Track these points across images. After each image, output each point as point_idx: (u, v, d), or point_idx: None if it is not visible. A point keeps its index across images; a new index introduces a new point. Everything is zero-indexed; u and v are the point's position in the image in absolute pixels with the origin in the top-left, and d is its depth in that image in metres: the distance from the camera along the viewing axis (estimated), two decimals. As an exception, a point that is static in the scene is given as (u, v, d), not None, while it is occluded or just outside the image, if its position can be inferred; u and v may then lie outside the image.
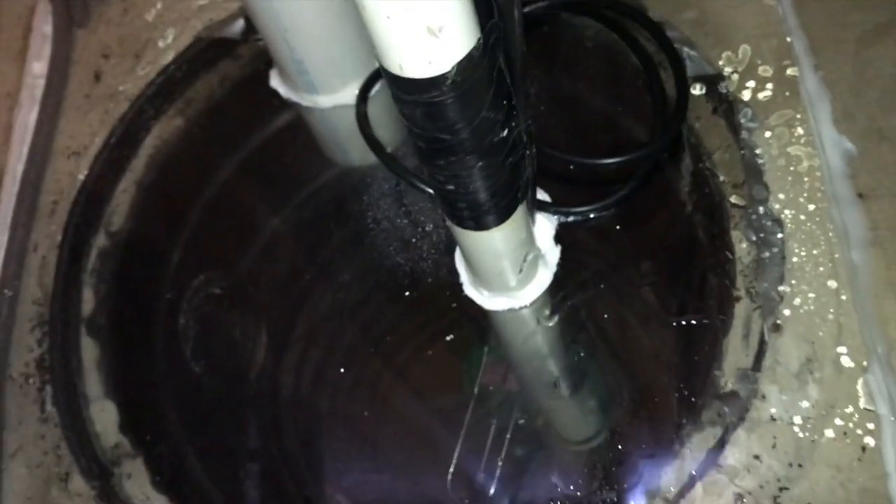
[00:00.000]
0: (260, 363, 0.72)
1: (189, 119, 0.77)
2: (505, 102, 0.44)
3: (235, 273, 0.75)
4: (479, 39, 0.37)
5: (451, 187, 0.46)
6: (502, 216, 0.50)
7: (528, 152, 0.50)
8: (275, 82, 0.71)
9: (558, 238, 0.61)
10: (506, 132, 0.45)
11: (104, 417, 0.64)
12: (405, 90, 0.39)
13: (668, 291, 0.59)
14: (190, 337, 0.72)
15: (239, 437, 0.69)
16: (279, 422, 0.71)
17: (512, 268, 0.56)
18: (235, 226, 0.77)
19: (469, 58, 0.37)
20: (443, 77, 0.37)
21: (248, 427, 0.69)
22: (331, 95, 0.68)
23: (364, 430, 0.66)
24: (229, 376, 0.72)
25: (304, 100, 0.70)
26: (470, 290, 0.60)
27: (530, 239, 0.56)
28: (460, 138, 0.42)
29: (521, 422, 0.58)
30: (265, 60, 0.71)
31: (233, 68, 0.78)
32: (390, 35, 0.36)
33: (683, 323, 0.56)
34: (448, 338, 0.64)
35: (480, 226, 0.50)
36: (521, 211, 0.51)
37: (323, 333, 0.73)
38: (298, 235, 0.76)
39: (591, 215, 0.61)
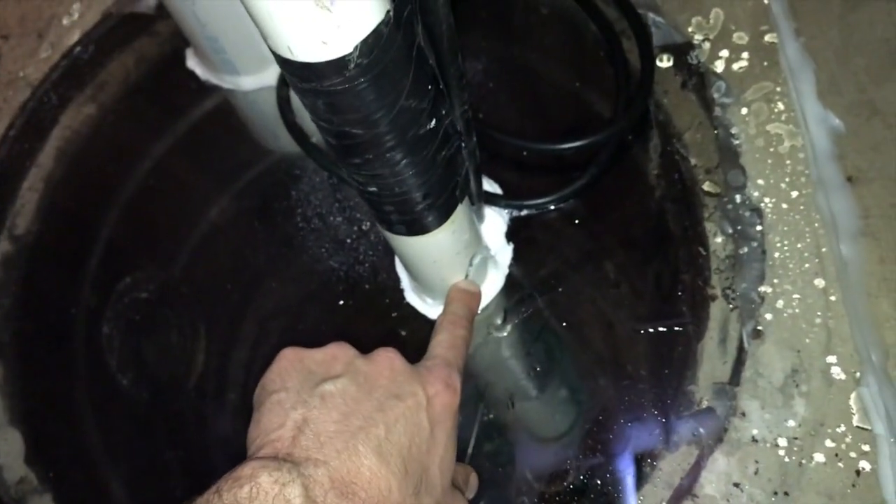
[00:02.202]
0: (199, 369, 0.65)
1: (102, 105, 0.69)
2: (430, 87, 0.36)
3: (165, 274, 0.68)
4: (388, 12, 0.30)
5: (373, 189, 0.39)
6: (439, 219, 0.43)
7: (466, 144, 0.43)
8: (191, 63, 0.63)
9: (511, 235, 0.54)
10: (434, 122, 0.37)
11: (7, 448, 0.57)
12: (300, 77, 0.32)
13: (635, 293, 0.52)
14: (115, 347, 0.65)
15: (174, 453, 0.62)
16: (221, 433, 0.64)
17: (456, 274, 0.49)
18: (161, 222, 0.70)
19: (376, 35, 0.30)
20: (343, 60, 0.30)
21: (184, 442, 0.63)
22: (253, 76, 0.61)
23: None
24: (164, 386, 0.65)
25: (225, 82, 0.62)
26: (412, 297, 0.53)
27: (476, 239, 0.49)
28: (376, 132, 0.35)
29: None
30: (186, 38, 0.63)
31: (150, 47, 0.69)
32: (270, 10, 0.28)
33: (652, 330, 0.50)
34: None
35: (414, 231, 0.43)
36: (461, 210, 0.44)
37: (267, 332, 0.66)
38: (233, 229, 0.69)
39: (549, 207, 0.54)
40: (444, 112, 0.38)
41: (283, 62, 0.31)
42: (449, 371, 0.40)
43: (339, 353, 0.40)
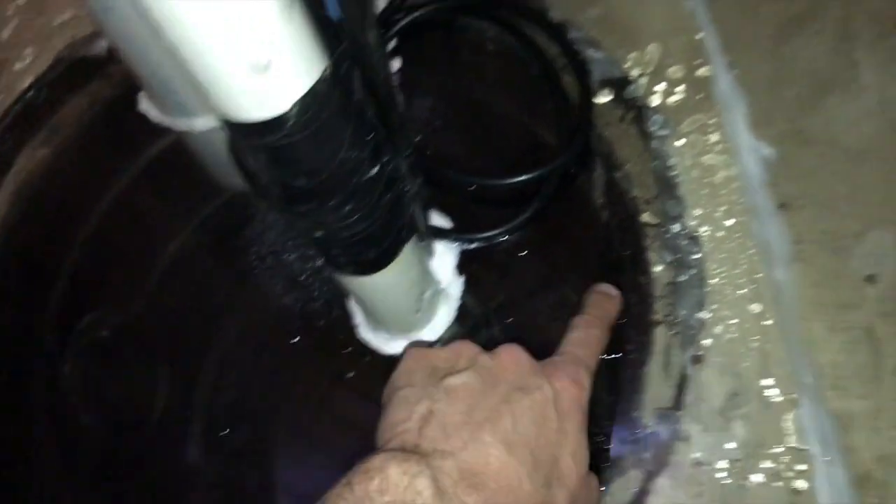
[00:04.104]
0: (162, 405, 0.65)
1: (57, 148, 0.69)
2: (371, 136, 0.38)
3: (124, 312, 0.68)
4: (324, 70, 0.31)
5: (318, 234, 0.40)
6: (387, 259, 0.44)
7: (410, 185, 0.44)
8: (144, 106, 0.64)
9: (461, 267, 0.55)
10: (376, 169, 0.38)
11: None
12: (241, 134, 0.33)
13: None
14: (76, 387, 0.65)
15: (139, 491, 0.62)
16: (185, 468, 0.64)
17: (407, 309, 0.50)
18: (119, 261, 0.70)
19: (313, 93, 0.31)
20: (282, 118, 0.31)
21: (149, 479, 0.63)
22: (206, 117, 0.62)
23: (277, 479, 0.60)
24: (126, 424, 0.65)
25: (178, 123, 0.63)
26: (365, 332, 0.54)
27: (426, 274, 0.51)
28: (319, 182, 0.36)
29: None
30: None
31: (103, 89, 0.70)
32: (207, 75, 0.29)
33: (599, 357, 0.51)
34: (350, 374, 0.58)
35: (362, 271, 0.44)
36: (409, 248, 0.45)
37: (227, 369, 0.66)
38: (190, 268, 0.69)
39: (498, 240, 0.56)
40: (386, 158, 0.39)
41: (223, 121, 0.32)
42: (576, 367, 0.40)
43: (463, 349, 0.40)
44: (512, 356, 0.40)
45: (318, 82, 0.31)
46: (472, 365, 0.39)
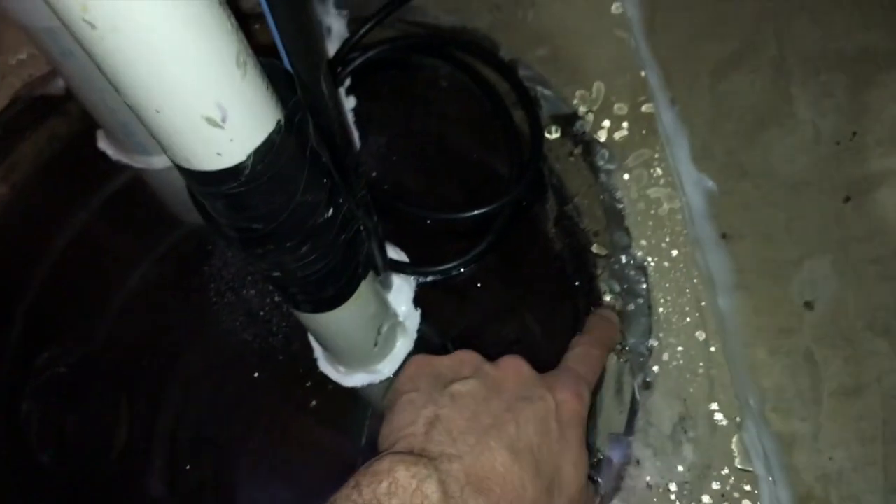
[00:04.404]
0: (123, 439, 0.65)
1: (15, 185, 0.70)
2: (326, 180, 0.39)
3: (84, 347, 0.68)
4: (278, 122, 0.33)
5: (276, 274, 0.41)
6: (344, 296, 0.45)
7: (366, 224, 0.45)
8: (102, 144, 0.65)
9: (418, 300, 0.56)
10: (332, 211, 0.40)
11: (-78, 539, 0.57)
12: (199, 182, 0.34)
13: (538, 350, 0.55)
14: (35, 424, 0.65)
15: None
16: (148, 502, 0.64)
17: (365, 344, 0.51)
18: (78, 297, 0.70)
19: (268, 143, 0.32)
20: (238, 168, 0.32)
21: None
22: (164, 155, 0.62)
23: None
24: (87, 459, 0.65)
25: (136, 161, 0.64)
26: (325, 366, 0.55)
27: (384, 308, 0.52)
28: (275, 226, 0.37)
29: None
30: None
31: (61, 126, 0.70)
32: (165, 130, 0.31)
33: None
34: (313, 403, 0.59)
35: (320, 308, 0.45)
36: (366, 285, 0.47)
37: (187, 404, 0.67)
38: (149, 303, 0.69)
39: (453, 273, 0.57)
40: (341, 200, 0.40)
41: (181, 169, 0.33)
42: (577, 381, 0.41)
43: (466, 357, 0.41)
44: (515, 366, 0.40)
45: (273, 132, 0.32)
46: (476, 373, 0.40)
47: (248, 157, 0.32)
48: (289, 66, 0.35)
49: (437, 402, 0.38)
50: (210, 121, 0.30)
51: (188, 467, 0.59)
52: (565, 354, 0.45)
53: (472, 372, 0.40)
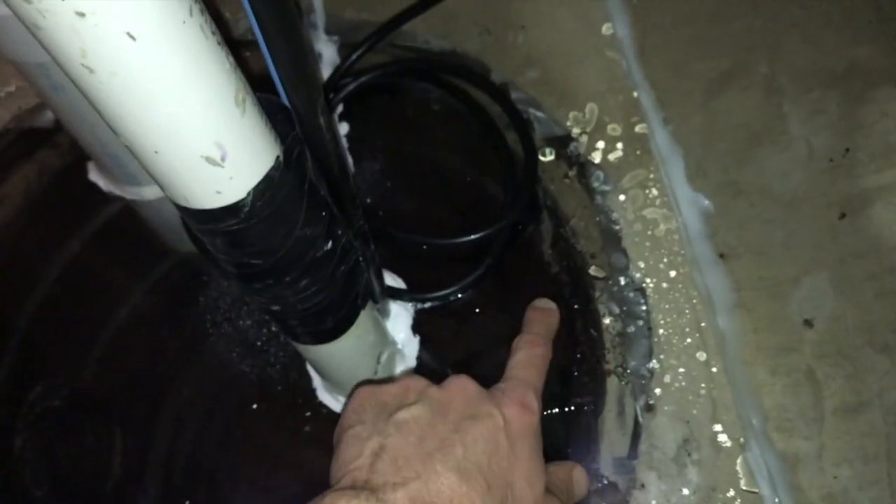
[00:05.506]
0: (117, 471, 0.64)
1: (5, 218, 0.69)
2: (324, 213, 0.39)
3: (76, 380, 0.67)
4: (277, 158, 0.32)
5: (276, 308, 0.41)
6: (343, 327, 0.45)
7: (363, 254, 0.45)
8: (93, 176, 0.64)
9: (416, 327, 0.56)
10: (330, 244, 0.39)
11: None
12: (198, 220, 0.33)
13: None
14: (29, 459, 0.64)
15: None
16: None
17: (365, 372, 0.51)
18: (70, 329, 0.69)
19: (267, 180, 0.32)
20: (238, 205, 0.32)
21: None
22: (156, 186, 0.62)
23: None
24: (81, 493, 0.64)
25: (128, 192, 0.63)
26: (324, 395, 0.55)
27: (382, 338, 0.52)
28: (274, 261, 0.36)
29: None
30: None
31: (51, 158, 0.70)
32: (163, 170, 0.30)
33: (556, 410, 0.52)
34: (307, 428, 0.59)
35: (319, 340, 0.45)
36: (364, 315, 0.46)
37: (181, 434, 0.66)
38: (142, 334, 0.69)
39: (451, 298, 0.57)
40: (339, 232, 0.40)
41: (180, 208, 0.33)
42: (525, 391, 0.40)
43: (411, 383, 0.40)
44: (460, 386, 0.40)
45: (272, 169, 0.32)
46: (421, 398, 0.39)
47: (248, 195, 0.31)
48: (286, 100, 0.34)
49: (383, 431, 0.37)
50: (210, 160, 0.29)
51: (186, 502, 0.58)
52: (508, 361, 0.45)
53: (417, 397, 0.39)
